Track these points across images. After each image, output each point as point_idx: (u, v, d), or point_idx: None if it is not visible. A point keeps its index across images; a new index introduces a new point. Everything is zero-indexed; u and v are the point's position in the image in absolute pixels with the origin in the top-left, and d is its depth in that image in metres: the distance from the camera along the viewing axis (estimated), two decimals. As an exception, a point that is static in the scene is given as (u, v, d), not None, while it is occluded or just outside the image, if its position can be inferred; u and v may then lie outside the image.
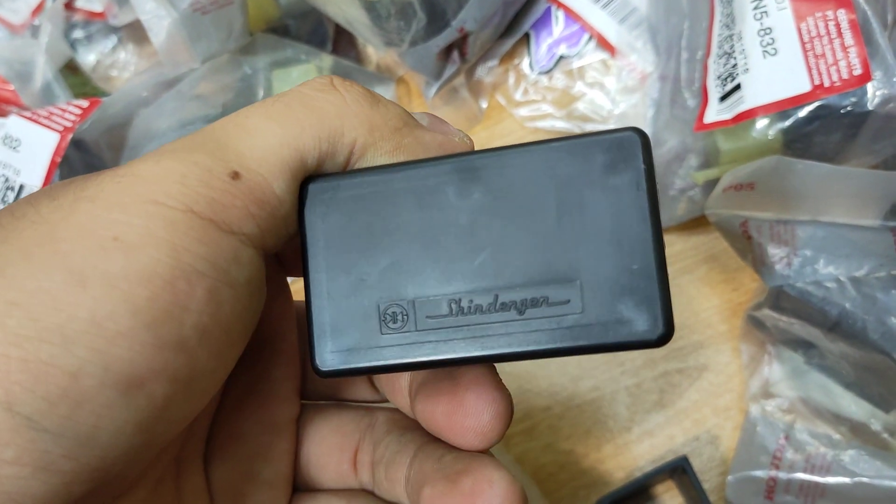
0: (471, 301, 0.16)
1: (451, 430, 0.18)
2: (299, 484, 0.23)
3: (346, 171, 0.18)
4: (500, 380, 0.19)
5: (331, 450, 0.22)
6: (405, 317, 0.17)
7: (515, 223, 0.16)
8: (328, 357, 0.17)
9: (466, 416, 0.18)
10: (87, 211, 0.15)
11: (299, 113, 0.17)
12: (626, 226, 0.16)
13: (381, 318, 0.17)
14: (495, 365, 0.19)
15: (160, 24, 0.41)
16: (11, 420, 0.13)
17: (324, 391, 0.24)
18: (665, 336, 0.15)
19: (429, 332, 0.17)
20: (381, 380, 0.22)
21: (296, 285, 0.23)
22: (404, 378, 0.21)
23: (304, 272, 0.17)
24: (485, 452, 0.19)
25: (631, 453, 0.40)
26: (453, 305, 0.16)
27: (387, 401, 0.23)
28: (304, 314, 0.23)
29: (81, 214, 0.15)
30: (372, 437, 0.22)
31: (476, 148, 0.19)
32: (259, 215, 0.16)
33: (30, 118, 0.41)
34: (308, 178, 0.17)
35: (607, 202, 0.16)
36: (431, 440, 0.20)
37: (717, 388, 0.41)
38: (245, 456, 0.21)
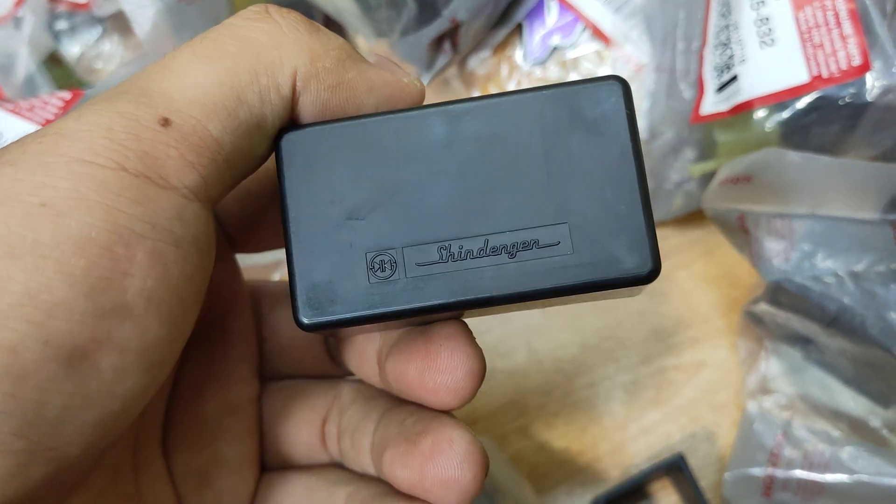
0: (461, 246, 0.16)
1: (423, 388, 0.18)
2: (272, 463, 0.22)
3: (325, 121, 0.17)
4: (474, 338, 0.18)
5: (300, 424, 0.22)
6: (394, 265, 0.16)
7: (503, 169, 0.16)
8: (312, 310, 0.16)
9: (439, 372, 0.18)
10: (9, 175, 0.14)
11: (230, 47, 0.16)
12: (612, 169, 0.16)
13: (369, 266, 0.16)
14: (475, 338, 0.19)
15: (144, 14, 0.41)
16: None
17: (283, 370, 0.23)
18: (654, 272, 0.16)
19: (419, 280, 0.16)
20: (347, 350, 0.22)
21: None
22: (373, 344, 0.20)
23: (283, 224, 0.17)
24: (448, 414, 0.19)
25: (627, 451, 0.40)
26: (443, 251, 0.16)
27: (349, 375, 0.23)
28: (256, 293, 0.23)
29: (3, 179, 0.14)
30: (338, 408, 0.22)
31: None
32: (199, 163, 0.15)
33: (12, 111, 0.40)
34: (283, 130, 0.17)
35: (593, 147, 0.16)
36: (395, 405, 0.20)
37: (714, 385, 0.41)
38: (206, 439, 0.21)
